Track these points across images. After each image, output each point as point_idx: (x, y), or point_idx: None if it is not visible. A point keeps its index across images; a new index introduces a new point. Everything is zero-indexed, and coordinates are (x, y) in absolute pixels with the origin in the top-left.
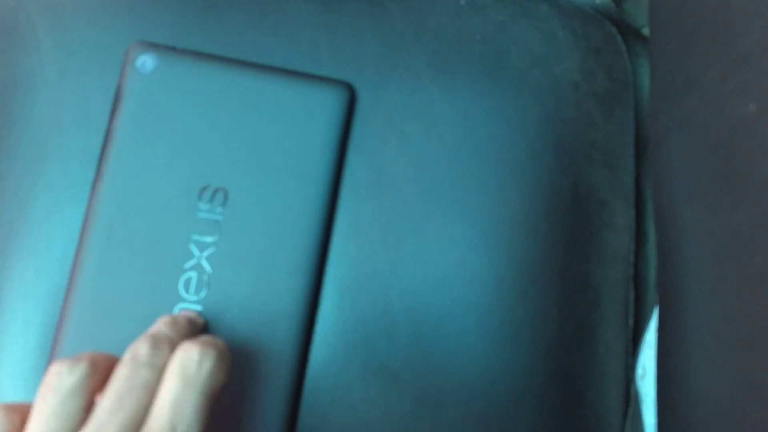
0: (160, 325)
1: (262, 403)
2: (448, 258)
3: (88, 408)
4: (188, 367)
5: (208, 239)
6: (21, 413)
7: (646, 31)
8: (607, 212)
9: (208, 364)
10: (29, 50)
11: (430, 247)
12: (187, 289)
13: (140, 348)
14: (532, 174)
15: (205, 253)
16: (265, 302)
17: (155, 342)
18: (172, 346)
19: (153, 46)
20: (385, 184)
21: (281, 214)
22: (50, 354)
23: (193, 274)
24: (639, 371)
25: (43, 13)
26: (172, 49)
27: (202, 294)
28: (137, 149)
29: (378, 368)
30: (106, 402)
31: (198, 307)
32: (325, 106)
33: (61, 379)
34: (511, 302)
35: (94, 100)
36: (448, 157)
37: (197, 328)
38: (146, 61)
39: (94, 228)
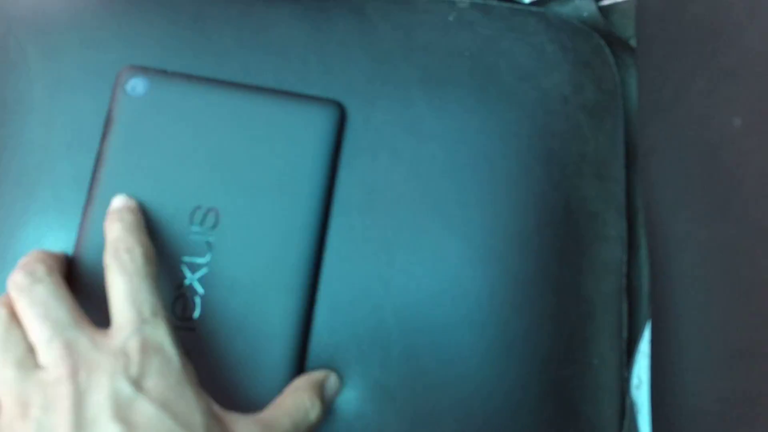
0: (21, 260)
1: None
2: (440, 273)
3: None
4: (124, 263)
5: (200, 260)
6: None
7: (634, 42)
8: (599, 224)
9: (138, 252)
10: (19, 74)
11: (422, 262)
12: (179, 311)
13: (15, 277)
14: (523, 187)
15: (197, 275)
16: (257, 322)
17: (23, 265)
18: (41, 259)
19: (143, 70)
20: (376, 201)
21: (273, 234)
22: None
23: (186, 296)
24: (634, 381)
25: (33, 37)
26: (162, 72)
27: (195, 315)
28: (128, 172)
29: (372, 386)
30: (37, 331)
31: (191, 328)
32: (315, 125)
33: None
34: (504, 316)
35: (84, 124)
36: (440, 172)
37: (58, 256)
38: (137, 85)
39: (86, 252)
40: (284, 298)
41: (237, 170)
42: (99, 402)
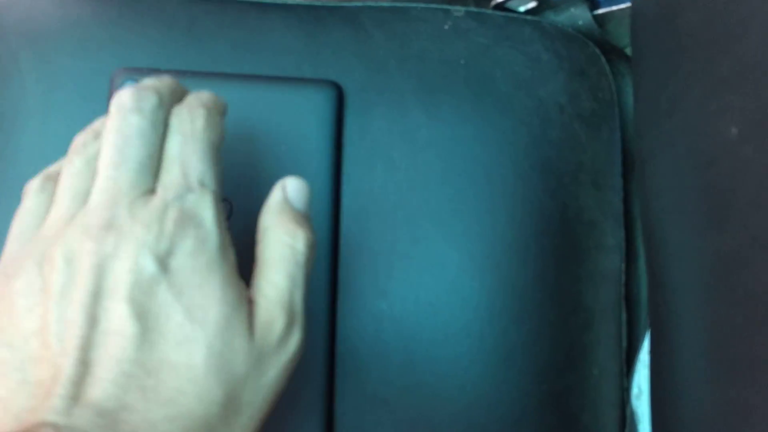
0: (146, 79)
1: None
2: (438, 283)
3: None
4: (183, 125)
5: None
6: (54, 178)
7: (629, 50)
8: (597, 233)
9: (200, 119)
10: (12, 84)
11: (420, 272)
12: None
13: (122, 96)
14: (520, 197)
15: None
16: None
17: (138, 89)
18: (158, 91)
19: (137, 70)
20: (373, 211)
21: None
22: None
23: None
24: (634, 390)
25: (26, 45)
26: (156, 71)
27: None
28: None
29: (371, 397)
30: (105, 156)
31: None
32: (316, 105)
33: (86, 143)
34: (503, 326)
35: (78, 130)
36: (436, 181)
37: (183, 89)
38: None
39: None
40: None
41: (243, 159)
42: (119, 275)
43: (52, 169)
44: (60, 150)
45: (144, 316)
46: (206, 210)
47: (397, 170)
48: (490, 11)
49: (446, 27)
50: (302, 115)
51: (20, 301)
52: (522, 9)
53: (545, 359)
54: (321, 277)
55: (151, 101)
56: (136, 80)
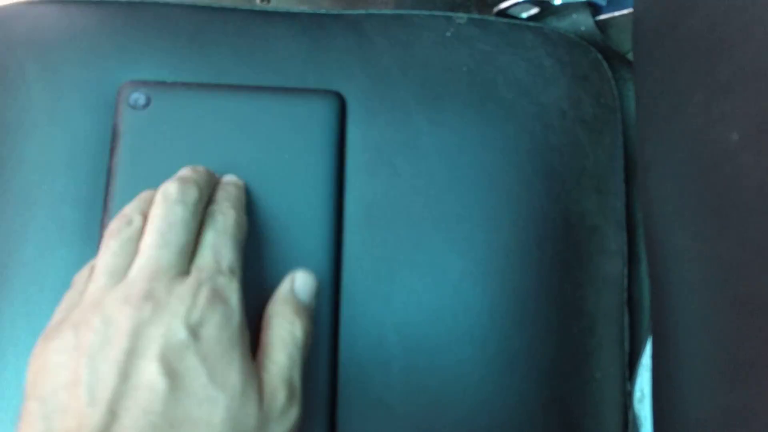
0: (183, 171)
1: None
2: (441, 289)
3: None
4: (217, 223)
5: None
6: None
7: (631, 56)
8: (599, 238)
9: (231, 219)
10: (19, 94)
11: (423, 278)
12: None
13: (169, 188)
14: (523, 202)
15: None
16: None
17: (182, 181)
18: (198, 185)
19: (144, 83)
20: (376, 217)
21: (290, 231)
22: None
23: None
24: (637, 395)
25: (33, 56)
26: (163, 84)
27: None
28: (140, 184)
29: (373, 403)
30: (149, 239)
31: None
32: (318, 115)
33: (120, 228)
34: (505, 331)
35: (84, 142)
36: (439, 187)
37: (214, 178)
38: (139, 98)
39: None
40: None
41: (247, 170)
42: (153, 338)
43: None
44: (65, 161)
45: (173, 375)
46: (233, 292)
47: (400, 177)
48: (492, 18)
49: (449, 34)
50: (305, 125)
51: (54, 357)
52: (524, 15)
53: (548, 364)
54: (324, 283)
55: (193, 195)
56: (143, 93)
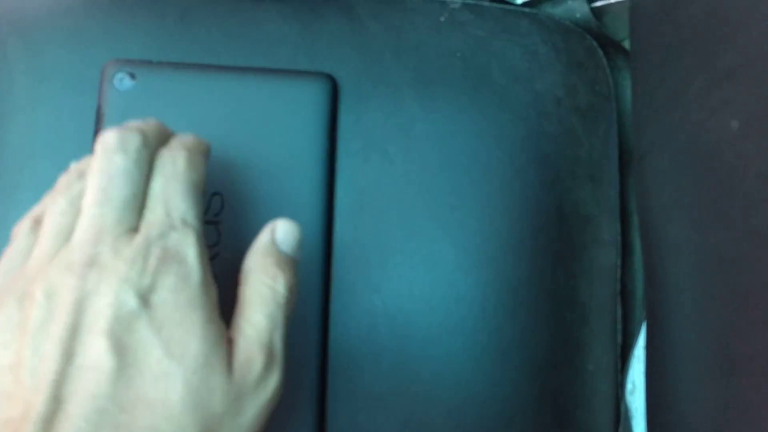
0: (129, 122)
1: None
2: (433, 278)
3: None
4: (165, 167)
5: (208, 245)
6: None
7: (627, 44)
8: (593, 228)
9: (181, 161)
10: (1, 75)
11: (414, 266)
12: None
13: (107, 137)
14: (516, 191)
15: None
16: None
17: (123, 129)
18: (142, 132)
19: (129, 62)
20: (367, 204)
21: (279, 210)
22: None
23: None
24: (629, 386)
25: (14, 36)
26: (148, 63)
27: None
28: None
29: (364, 394)
30: (90, 196)
31: None
32: (309, 98)
33: (71, 183)
34: (497, 321)
35: (67, 125)
36: (431, 175)
37: (169, 132)
38: (124, 78)
39: None
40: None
41: (235, 152)
42: (99, 310)
43: (37, 210)
44: (49, 144)
45: (122, 351)
46: (189, 247)
47: (392, 163)
48: (487, 3)
49: (442, 19)
50: (296, 108)
51: None
52: (519, 1)
53: (540, 355)
54: (314, 271)
55: (135, 142)
56: (127, 72)
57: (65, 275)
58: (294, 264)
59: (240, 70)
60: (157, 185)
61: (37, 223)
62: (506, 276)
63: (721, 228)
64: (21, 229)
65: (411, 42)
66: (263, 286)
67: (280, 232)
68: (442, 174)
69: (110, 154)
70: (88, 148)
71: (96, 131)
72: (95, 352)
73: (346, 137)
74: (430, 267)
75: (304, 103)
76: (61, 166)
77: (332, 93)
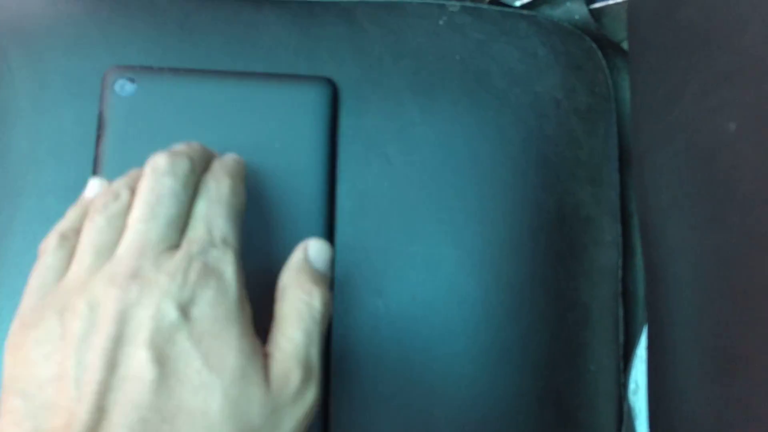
0: (177, 145)
1: None
2: (434, 280)
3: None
4: (210, 191)
5: None
6: (69, 236)
7: (626, 45)
8: (594, 228)
9: (225, 187)
10: (2, 82)
11: (416, 269)
12: None
13: (158, 160)
14: (516, 193)
15: None
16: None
17: (173, 153)
18: (190, 157)
19: (130, 69)
20: (368, 207)
21: (281, 221)
22: None
23: None
24: (631, 386)
25: (16, 43)
26: (149, 69)
27: None
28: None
29: (367, 395)
30: (137, 212)
31: None
32: (309, 102)
33: (107, 203)
34: (499, 322)
35: (69, 131)
36: (432, 178)
37: (210, 153)
38: (125, 84)
39: None
40: None
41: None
42: (141, 321)
43: (64, 226)
44: (51, 149)
45: (163, 362)
46: (228, 265)
47: (392, 166)
48: (485, 6)
49: (441, 22)
50: (296, 112)
51: (38, 349)
52: (518, 4)
53: (542, 356)
54: None
55: (184, 166)
56: (128, 78)
57: (108, 287)
58: (327, 281)
59: (240, 75)
60: (202, 207)
61: (65, 238)
62: (507, 277)
63: (719, 229)
64: (49, 245)
65: (410, 45)
66: (300, 302)
67: (312, 250)
68: (442, 176)
69: (160, 176)
70: (90, 154)
71: (98, 137)
72: (138, 362)
73: (346, 141)
74: (431, 269)
75: (304, 107)
76: (64, 172)
77: (332, 97)
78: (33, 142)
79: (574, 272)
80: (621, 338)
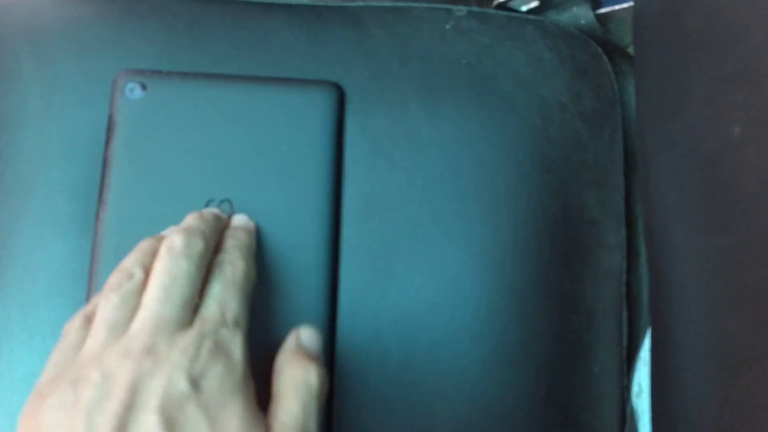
0: (190, 220)
1: None
2: (439, 282)
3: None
4: (225, 275)
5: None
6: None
7: (631, 50)
8: (598, 231)
9: (239, 271)
10: (13, 85)
11: (421, 271)
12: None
13: (174, 240)
14: (522, 196)
15: None
16: (284, 307)
17: (188, 233)
18: (204, 237)
19: (140, 72)
20: (374, 210)
21: (287, 217)
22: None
23: None
24: (635, 389)
25: (28, 47)
26: (159, 73)
27: None
28: (137, 174)
29: (371, 396)
30: (152, 292)
31: None
32: (316, 106)
33: (121, 282)
34: (503, 324)
35: (79, 132)
36: (438, 181)
37: (223, 223)
38: (135, 87)
39: (104, 255)
40: (305, 281)
41: (244, 158)
42: (153, 389)
43: (89, 309)
44: (62, 153)
45: (172, 426)
46: (237, 345)
47: (399, 170)
48: (492, 11)
49: (448, 27)
50: (303, 115)
51: (50, 415)
52: (524, 8)
53: (546, 358)
54: (321, 277)
55: (198, 247)
56: (138, 82)
57: (123, 360)
58: (321, 361)
59: (248, 78)
60: (216, 288)
61: (88, 320)
62: (512, 280)
63: (723, 232)
64: (72, 326)
65: (417, 50)
66: (296, 378)
67: (304, 336)
68: (448, 180)
69: (176, 257)
70: (99, 156)
71: (107, 139)
72: (148, 426)
73: (352, 144)
74: (436, 272)
75: (311, 110)
76: (74, 174)
77: (339, 101)
78: (43, 144)
79: (578, 275)
80: (624, 341)
